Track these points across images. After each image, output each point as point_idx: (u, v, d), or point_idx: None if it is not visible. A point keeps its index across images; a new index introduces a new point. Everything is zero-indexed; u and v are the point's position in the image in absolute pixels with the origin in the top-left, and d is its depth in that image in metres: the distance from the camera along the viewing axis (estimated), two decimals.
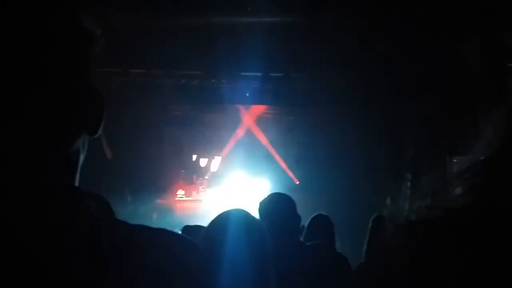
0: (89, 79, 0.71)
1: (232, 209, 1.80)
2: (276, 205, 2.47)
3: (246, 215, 1.76)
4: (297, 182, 10.11)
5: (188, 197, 10.09)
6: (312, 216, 3.57)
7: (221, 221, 1.74)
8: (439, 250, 0.51)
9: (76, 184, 0.71)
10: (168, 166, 10.14)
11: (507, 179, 0.51)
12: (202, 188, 10.38)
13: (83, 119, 0.69)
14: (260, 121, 10.51)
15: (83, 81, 0.69)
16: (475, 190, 0.53)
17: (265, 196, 2.57)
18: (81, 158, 0.72)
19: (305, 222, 3.48)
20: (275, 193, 2.63)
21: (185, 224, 4.20)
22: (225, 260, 1.49)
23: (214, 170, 10.64)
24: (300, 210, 2.54)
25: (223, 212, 1.77)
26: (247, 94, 8.83)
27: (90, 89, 0.71)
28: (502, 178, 0.51)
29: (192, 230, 3.71)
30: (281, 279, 2.21)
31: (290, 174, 10.33)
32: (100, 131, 0.73)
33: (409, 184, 7.20)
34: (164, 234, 0.70)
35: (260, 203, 2.50)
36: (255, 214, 2.49)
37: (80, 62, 0.69)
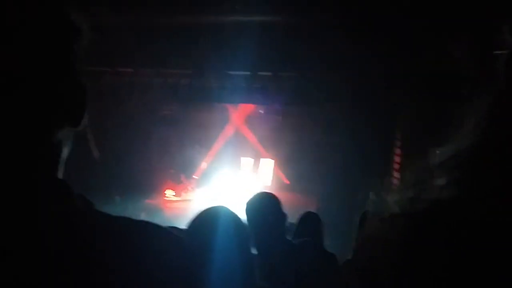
0: (74, 72, 0.71)
1: (217, 206, 1.82)
2: (262, 204, 2.47)
3: (232, 213, 1.78)
4: (287, 182, 10.13)
5: (177, 196, 10.05)
6: (301, 214, 3.57)
7: (208, 216, 1.74)
8: (422, 243, 0.51)
9: (60, 176, 0.70)
10: (156, 165, 10.10)
11: (488, 169, 0.51)
12: (191, 187, 10.35)
13: (65, 110, 0.69)
14: (249, 120, 10.52)
15: (66, 74, 0.70)
16: (457, 181, 0.53)
17: (251, 196, 2.57)
18: (65, 151, 0.71)
19: (295, 220, 3.49)
20: (260, 193, 2.62)
21: (172, 226, 4.18)
22: (214, 256, 1.49)
23: (203, 170, 10.62)
24: (290, 208, 2.54)
25: (209, 208, 1.78)
26: (236, 93, 8.83)
27: (73, 81, 0.71)
28: (483, 169, 0.52)
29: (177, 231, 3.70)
30: (270, 277, 2.22)
31: (280, 173, 10.34)
32: (83, 124, 0.72)
33: (394, 177, 7.26)
34: (147, 225, 0.70)
35: (247, 203, 2.49)
36: (244, 214, 2.49)
37: (65, 55, 0.70)
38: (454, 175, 0.53)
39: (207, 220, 1.72)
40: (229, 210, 1.80)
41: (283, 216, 2.48)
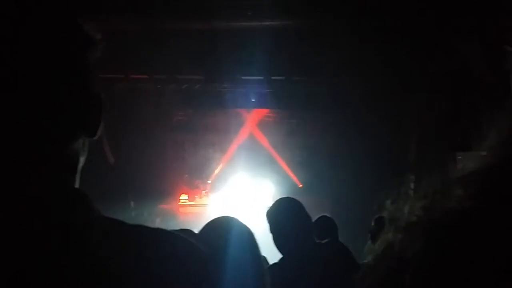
0: (88, 82, 0.72)
1: (227, 216, 1.85)
2: (285, 210, 2.49)
3: (243, 223, 1.81)
4: (300, 185, 10.10)
5: (191, 201, 10.08)
6: (316, 217, 3.58)
7: (219, 225, 1.76)
8: (440, 255, 0.51)
9: (77, 185, 0.71)
10: (171, 171, 10.15)
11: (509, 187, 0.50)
12: (205, 192, 10.37)
13: (80, 120, 0.70)
14: (262, 124, 10.52)
15: (81, 83, 0.70)
16: (478, 194, 0.52)
17: (270, 203, 2.59)
18: (81, 160, 0.72)
19: None
20: (280, 199, 2.64)
21: (184, 228, 4.20)
22: (228, 265, 1.50)
23: (217, 174, 10.64)
24: None
25: (219, 218, 1.81)
26: (249, 98, 8.85)
27: (88, 91, 0.72)
28: (505, 186, 0.51)
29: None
30: (301, 281, 2.24)
31: (293, 177, 10.32)
32: (99, 133, 0.73)
33: (412, 185, 7.19)
34: (163, 233, 0.71)
35: (268, 212, 2.51)
36: (259, 218, 2.51)
37: (79, 65, 0.71)
38: (475, 187, 0.52)
39: (219, 228, 1.74)
40: (239, 220, 1.82)
41: (308, 218, 2.51)
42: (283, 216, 2.45)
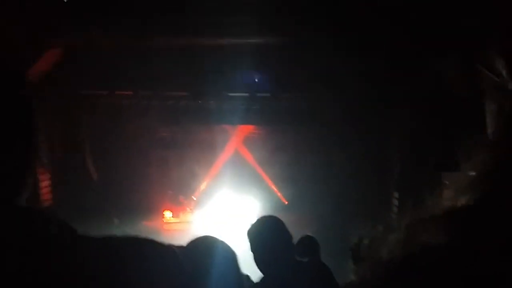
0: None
1: (210, 236, 1.86)
2: (266, 229, 2.46)
3: (222, 241, 1.81)
4: (286, 202, 10.10)
5: (176, 218, 10.00)
6: (299, 238, 3.57)
7: (205, 244, 1.75)
8: None
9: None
10: (154, 187, 10.07)
11: (481, 228, 0.51)
12: (190, 209, 10.31)
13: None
14: (247, 141, 10.53)
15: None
16: (449, 233, 0.53)
17: (252, 221, 2.55)
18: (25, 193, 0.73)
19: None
20: (261, 218, 2.61)
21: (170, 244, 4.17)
22: (212, 282, 1.49)
23: (202, 191, 10.59)
24: (290, 229, 2.53)
25: (204, 237, 1.81)
26: (235, 115, 8.86)
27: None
28: (476, 226, 0.51)
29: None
30: None
31: (278, 194, 10.32)
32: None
33: (396, 203, 7.23)
34: (144, 244, 0.71)
35: (249, 231, 2.47)
36: (243, 235, 2.48)
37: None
38: (446, 228, 0.53)
39: (202, 246, 1.73)
40: (221, 240, 1.84)
41: (288, 236, 2.48)
42: (264, 235, 2.42)
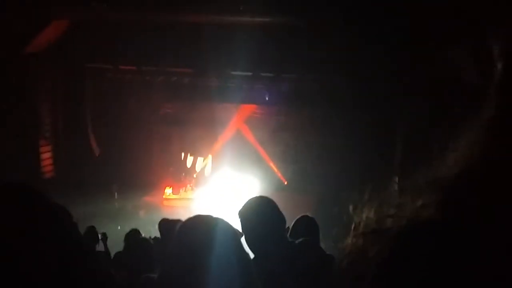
0: None
1: (205, 214, 1.78)
2: (257, 210, 2.45)
3: (223, 220, 1.75)
4: (285, 183, 10.13)
5: (176, 194, 10.04)
6: (297, 217, 3.56)
7: (199, 222, 1.72)
8: (399, 261, 0.53)
9: None
10: (156, 163, 10.11)
11: (467, 198, 0.52)
12: (190, 186, 10.35)
13: None
14: (249, 120, 10.52)
15: None
16: (434, 204, 0.54)
17: (244, 203, 2.53)
18: None
19: (292, 221, 3.49)
20: (252, 198, 2.59)
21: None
22: (214, 261, 1.49)
23: (203, 169, 10.62)
24: (288, 209, 2.53)
25: (204, 215, 1.75)
26: (237, 93, 8.84)
27: None
28: (462, 196, 0.53)
29: (168, 225, 3.71)
30: (273, 280, 2.22)
31: (278, 174, 10.35)
32: None
33: (396, 187, 7.24)
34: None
35: (240, 212, 2.47)
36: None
37: None
38: (432, 198, 0.54)
39: (203, 224, 1.70)
40: (217, 218, 1.77)
41: (281, 219, 2.47)
42: (255, 216, 2.41)
